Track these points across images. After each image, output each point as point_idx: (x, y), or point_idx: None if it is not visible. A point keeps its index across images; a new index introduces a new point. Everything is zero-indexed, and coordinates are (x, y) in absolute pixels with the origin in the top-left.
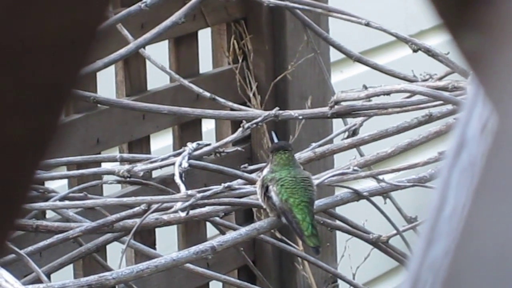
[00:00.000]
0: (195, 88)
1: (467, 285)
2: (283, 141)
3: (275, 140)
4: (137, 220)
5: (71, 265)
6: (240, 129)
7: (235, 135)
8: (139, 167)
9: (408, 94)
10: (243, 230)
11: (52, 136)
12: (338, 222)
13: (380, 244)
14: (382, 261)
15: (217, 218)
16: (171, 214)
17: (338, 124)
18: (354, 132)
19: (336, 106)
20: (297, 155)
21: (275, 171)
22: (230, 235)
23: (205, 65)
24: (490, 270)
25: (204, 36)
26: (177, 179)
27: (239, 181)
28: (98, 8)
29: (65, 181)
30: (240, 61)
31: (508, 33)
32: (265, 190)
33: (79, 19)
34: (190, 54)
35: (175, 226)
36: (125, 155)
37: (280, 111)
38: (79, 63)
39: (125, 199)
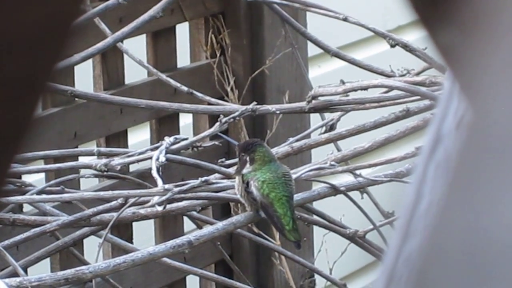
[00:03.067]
0: (173, 82)
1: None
2: (252, 139)
3: (233, 142)
4: (114, 214)
5: (48, 259)
6: (218, 123)
7: (212, 129)
8: (117, 161)
9: (385, 89)
10: (220, 224)
11: (28, 129)
12: (315, 217)
13: (357, 239)
14: (359, 256)
15: (194, 213)
16: (148, 208)
17: (315, 119)
18: (332, 127)
19: (313, 101)
20: (274, 150)
21: (256, 170)
22: (207, 230)
23: (183, 59)
24: (461, 269)
25: (182, 31)
26: (154, 173)
27: (217, 175)
28: (74, 1)
29: (42, 175)
30: (218, 55)
31: (483, 28)
32: (246, 185)
33: (55, 12)
34: (168, 48)
35: (152, 220)
36: (103, 149)
37: (258, 106)
38: (55, 56)
39: (102, 193)
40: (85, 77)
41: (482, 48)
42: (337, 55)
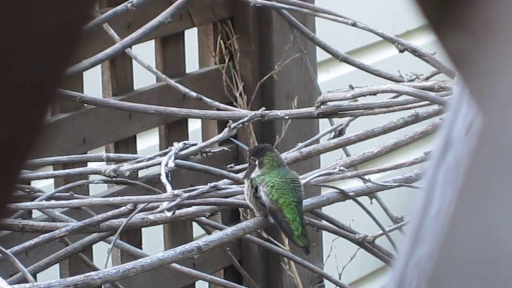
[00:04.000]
0: (182, 88)
1: (449, 285)
2: (262, 144)
3: (244, 147)
4: (123, 220)
5: (57, 265)
6: (227, 129)
7: (221, 135)
8: (125, 166)
9: (394, 94)
10: (229, 230)
11: (38, 135)
12: (324, 222)
13: (366, 244)
14: (368, 261)
15: (203, 218)
16: (157, 214)
17: (324, 124)
18: (340, 132)
19: (322, 106)
20: (283, 155)
21: (265, 173)
22: (216, 235)
23: (192, 65)
24: (473, 272)
25: (191, 36)
26: (163, 179)
27: (225, 181)
28: (83, 7)
29: (51, 180)
30: (227, 61)
31: (493, 33)
32: (254, 190)
33: (65, 18)
34: (177, 54)
35: (161, 226)
36: (112, 154)
37: (267, 111)
38: (65, 63)
39: (111, 199)
40: (94, 83)
41: (493, 53)
42: (346, 60)
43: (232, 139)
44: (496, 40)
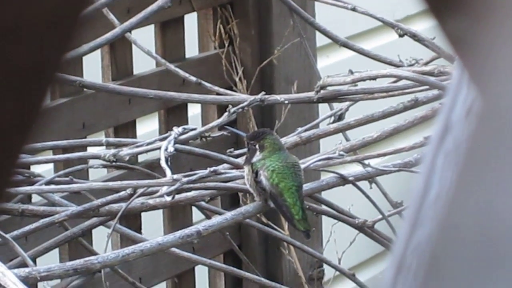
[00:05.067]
0: (181, 72)
1: (449, 268)
2: (261, 128)
3: (240, 133)
4: (123, 205)
5: (56, 249)
6: (226, 113)
7: (221, 119)
8: (125, 151)
9: (394, 79)
10: (229, 214)
11: (37, 119)
12: (323, 207)
13: (365, 228)
14: (367, 246)
15: (203, 203)
16: (157, 198)
17: (324, 109)
18: (340, 117)
19: (322, 91)
20: (283, 140)
21: (266, 157)
22: (216, 220)
23: (191, 49)
24: (473, 255)
25: (190, 21)
26: (163, 163)
27: (225, 165)
28: None
29: (51, 165)
30: (226, 45)
31: (493, 17)
32: (255, 175)
33: (63, 2)
34: (176, 38)
35: (161, 211)
36: (111, 139)
37: (266, 96)
38: (63, 47)
39: (111, 184)
40: (93, 68)
41: (492, 36)
42: (345, 45)
43: (227, 126)
44: (494, 21)
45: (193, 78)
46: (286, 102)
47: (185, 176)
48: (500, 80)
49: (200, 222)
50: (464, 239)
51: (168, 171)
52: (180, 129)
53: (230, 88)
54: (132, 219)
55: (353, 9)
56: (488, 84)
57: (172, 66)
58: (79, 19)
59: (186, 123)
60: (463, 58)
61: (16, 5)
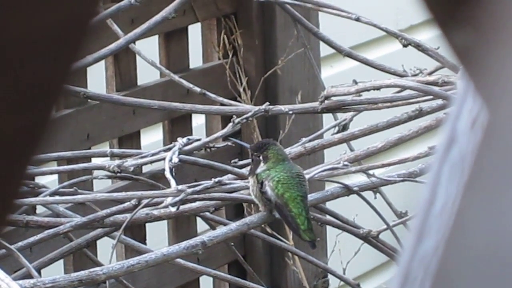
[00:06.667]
0: (185, 83)
1: (457, 281)
2: (264, 139)
3: (243, 144)
4: (128, 215)
5: (61, 260)
6: (230, 124)
7: (225, 130)
8: (130, 162)
9: (398, 89)
10: (234, 225)
11: (44, 131)
12: (328, 217)
13: (370, 239)
14: (372, 256)
15: (208, 213)
16: (161, 209)
17: (328, 119)
18: (344, 127)
19: (326, 101)
20: (287, 150)
21: (270, 168)
22: (221, 230)
23: (195, 60)
24: (480, 265)
25: (194, 31)
26: (167, 174)
27: (230, 176)
28: (89, 3)
29: (56, 176)
30: (230, 56)
31: (498, 28)
32: (260, 186)
33: (70, 14)
34: (180, 49)
35: (165, 221)
36: (116, 150)
37: (270, 106)
38: (70, 59)
39: (115, 194)
40: (97, 79)
41: (498, 48)
42: (349, 55)
43: (231, 138)
44: (502, 35)
45: (197, 89)
46: (290, 112)
47: (189, 187)
48: (506, 92)
49: (204, 233)
50: (471, 252)
51: (172, 182)
52: (184, 139)
53: (234, 99)
54: (137, 230)
55: (357, 19)
56: (494, 96)
57: (176, 77)
58: (86, 31)
59: (191, 134)
60: (469, 69)
61: (23, 18)
